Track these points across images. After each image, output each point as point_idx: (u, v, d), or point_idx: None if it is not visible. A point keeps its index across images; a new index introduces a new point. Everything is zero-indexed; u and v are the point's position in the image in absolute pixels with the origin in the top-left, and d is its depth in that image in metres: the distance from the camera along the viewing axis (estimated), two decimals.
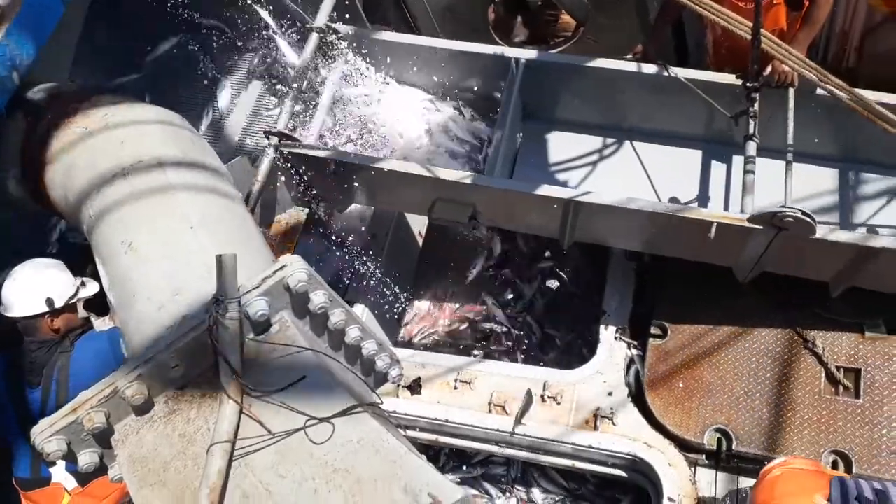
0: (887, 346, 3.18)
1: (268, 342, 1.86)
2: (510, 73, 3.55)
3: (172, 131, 2.71)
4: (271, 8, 4.10)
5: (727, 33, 3.02)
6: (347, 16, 3.81)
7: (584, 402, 3.36)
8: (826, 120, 3.32)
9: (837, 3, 3.85)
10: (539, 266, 4.45)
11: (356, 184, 3.53)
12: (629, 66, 3.46)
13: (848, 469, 2.95)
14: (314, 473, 1.60)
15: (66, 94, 2.97)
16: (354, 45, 3.71)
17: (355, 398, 1.73)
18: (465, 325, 4.49)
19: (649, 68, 3.42)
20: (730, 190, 3.54)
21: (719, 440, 3.12)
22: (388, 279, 4.05)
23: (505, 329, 4.33)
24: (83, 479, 3.06)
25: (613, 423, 3.28)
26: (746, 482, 3.04)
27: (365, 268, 3.90)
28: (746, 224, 2.89)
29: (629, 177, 3.65)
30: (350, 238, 3.97)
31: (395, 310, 4.35)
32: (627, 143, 3.74)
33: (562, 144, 3.83)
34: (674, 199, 3.51)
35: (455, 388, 3.50)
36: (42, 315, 3.03)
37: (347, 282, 4.05)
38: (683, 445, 3.18)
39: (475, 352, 4.25)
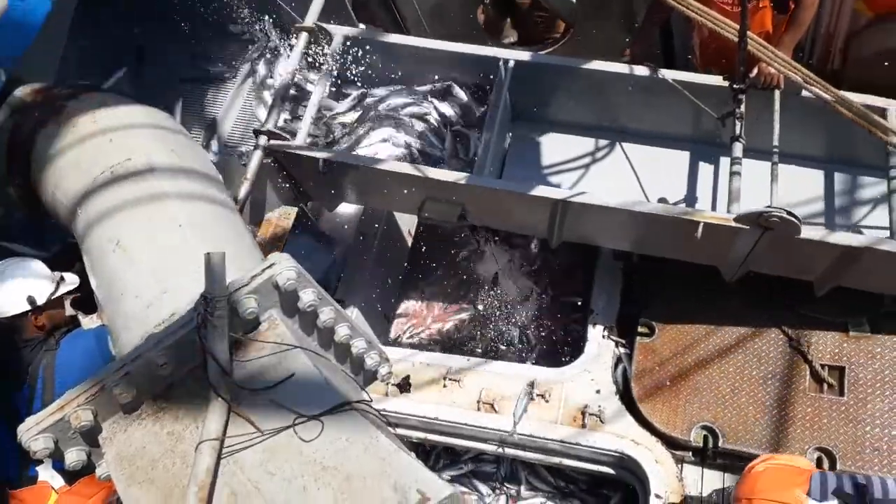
0: (871, 344, 3.23)
1: (256, 340, 1.86)
2: (499, 73, 3.57)
3: (161, 130, 2.70)
4: (262, 7, 4.09)
5: (714, 35, 3.05)
6: (336, 16, 3.81)
7: (572, 400, 3.38)
8: (811, 121, 3.36)
9: (822, 6, 3.89)
10: (529, 265, 4.47)
11: (345, 183, 3.53)
12: (617, 67, 3.49)
13: (832, 465, 2.99)
14: (303, 471, 1.60)
15: (53, 92, 2.95)
16: (343, 45, 3.71)
17: (344, 396, 1.74)
18: (454, 324, 4.50)
19: (637, 69, 3.44)
20: (717, 190, 3.58)
21: (706, 437, 3.16)
22: (377, 278, 4.05)
23: (494, 328, 4.34)
24: (70, 477, 3.05)
25: (601, 421, 3.30)
26: (733, 479, 3.07)
27: (354, 267, 3.91)
28: (733, 224, 2.92)
29: (617, 177, 3.68)
30: (339, 237, 3.97)
31: (385, 308, 4.35)
32: (616, 143, 3.77)
33: (550, 145, 3.85)
34: (661, 200, 3.53)
35: (444, 386, 3.51)
36: (25, 314, 3.02)
37: (337, 280, 4.05)
38: (670, 443, 3.21)
39: (464, 350, 4.26)
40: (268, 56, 4.14)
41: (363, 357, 2.15)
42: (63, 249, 3.30)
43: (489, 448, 3.50)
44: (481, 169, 3.36)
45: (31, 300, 3.00)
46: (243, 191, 3.26)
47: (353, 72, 3.73)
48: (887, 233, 2.98)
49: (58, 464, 2.92)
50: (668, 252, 3.33)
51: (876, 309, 3.26)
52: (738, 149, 3.13)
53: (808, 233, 2.89)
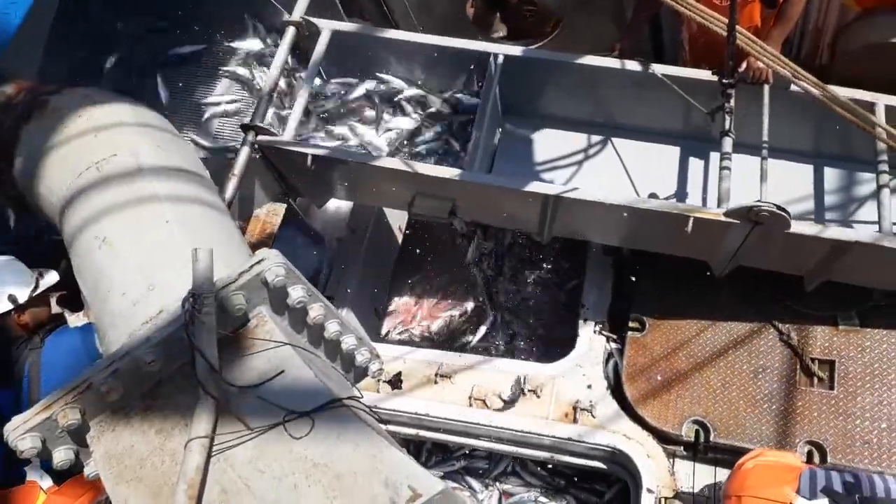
0: (860, 338, 3.25)
1: (246, 337, 1.84)
2: (489, 68, 3.55)
3: (147, 126, 2.66)
4: (250, 1, 4.06)
5: (703, 30, 3.05)
6: (324, 10, 3.78)
7: (563, 396, 3.38)
8: (800, 116, 3.37)
9: (810, 0, 3.90)
10: (518, 261, 4.47)
11: (335, 179, 3.51)
12: (607, 62, 3.48)
13: (823, 458, 3.01)
14: (294, 468, 1.58)
15: (36, 86, 2.91)
16: (331, 39, 3.68)
17: (335, 393, 1.72)
18: (445, 320, 4.49)
19: (627, 64, 3.44)
20: (707, 185, 3.58)
21: (697, 431, 3.17)
22: (367, 275, 4.03)
23: (484, 324, 4.34)
24: (59, 477, 3.02)
25: (593, 416, 3.30)
26: (724, 473, 3.08)
27: (344, 263, 3.88)
28: (723, 219, 2.92)
29: (607, 172, 3.67)
30: (329, 233, 3.95)
31: (376, 305, 4.34)
32: (606, 138, 3.76)
33: (541, 139, 3.84)
34: (652, 194, 3.53)
35: (435, 382, 3.50)
36: (7, 313, 2.99)
37: (326, 277, 4.03)
38: (662, 437, 3.22)
39: (455, 346, 4.25)
40: (255, 50, 4.11)
41: (353, 354, 2.14)
42: (37, 239, 3.28)
43: (481, 444, 3.50)
44: (471, 164, 3.35)
45: (12, 299, 2.98)
46: (231, 187, 3.23)
47: (341, 65, 3.70)
48: (876, 227, 3.00)
49: (46, 463, 2.89)
50: (658, 247, 3.33)
51: (865, 303, 3.28)
52: (727, 143, 3.14)
53: (797, 227, 2.90)
